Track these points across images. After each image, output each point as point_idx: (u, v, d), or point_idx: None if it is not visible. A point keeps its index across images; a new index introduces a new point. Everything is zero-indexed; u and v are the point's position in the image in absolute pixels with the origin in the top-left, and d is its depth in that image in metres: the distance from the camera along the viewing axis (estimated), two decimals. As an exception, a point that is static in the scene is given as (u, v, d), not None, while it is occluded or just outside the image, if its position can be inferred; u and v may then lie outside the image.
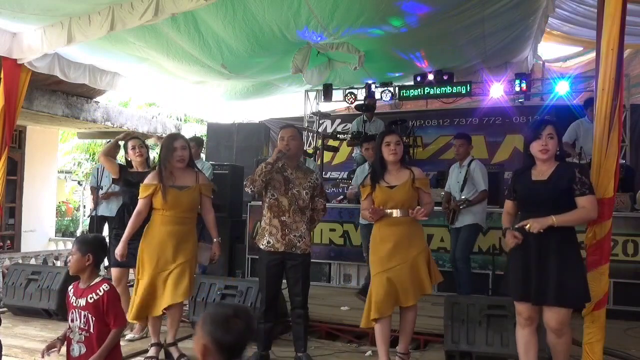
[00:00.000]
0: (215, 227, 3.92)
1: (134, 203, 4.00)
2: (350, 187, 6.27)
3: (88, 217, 9.53)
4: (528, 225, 2.83)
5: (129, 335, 4.27)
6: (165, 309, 3.70)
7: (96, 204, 6.20)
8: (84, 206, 19.24)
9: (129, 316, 3.66)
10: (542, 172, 2.99)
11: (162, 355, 3.86)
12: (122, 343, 4.11)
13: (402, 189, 3.50)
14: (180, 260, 3.71)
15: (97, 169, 6.97)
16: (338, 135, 8.11)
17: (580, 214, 2.87)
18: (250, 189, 3.63)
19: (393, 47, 6.62)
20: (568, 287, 2.82)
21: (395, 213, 3.52)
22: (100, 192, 6.12)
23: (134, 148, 4.48)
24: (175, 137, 3.95)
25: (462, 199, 5.06)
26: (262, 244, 3.71)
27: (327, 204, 4.00)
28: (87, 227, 8.06)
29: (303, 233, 3.69)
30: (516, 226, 2.98)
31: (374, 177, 3.62)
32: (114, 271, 4.39)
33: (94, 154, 16.71)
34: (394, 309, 3.53)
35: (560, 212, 2.84)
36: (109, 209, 5.90)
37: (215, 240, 3.91)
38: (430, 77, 7.90)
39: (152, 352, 3.81)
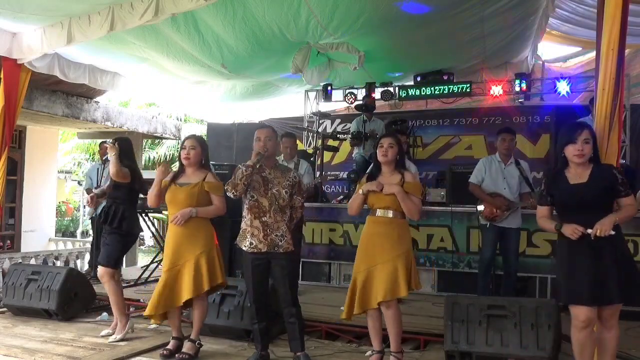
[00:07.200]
0: (206, 212, 3.91)
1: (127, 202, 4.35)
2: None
3: (89, 218, 9.52)
4: (597, 231, 2.78)
5: (112, 337, 4.27)
6: (187, 303, 3.83)
7: (96, 204, 6.16)
8: (84, 206, 19.21)
9: (146, 311, 3.82)
10: (579, 174, 2.98)
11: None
12: (116, 343, 4.16)
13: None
14: (187, 256, 3.79)
15: (97, 169, 6.95)
16: (338, 135, 8.10)
17: (630, 211, 2.92)
18: (233, 193, 3.64)
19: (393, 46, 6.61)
20: (630, 283, 2.88)
21: (383, 213, 3.62)
22: None
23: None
24: (188, 137, 4.13)
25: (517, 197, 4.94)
26: (245, 246, 3.71)
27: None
28: (89, 228, 8.03)
29: (284, 232, 3.71)
30: (586, 232, 2.86)
31: (369, 177, 3.77)
32: (102, 269, 4.32)
33: (94, 154, 16.72)
34: (370, 306, 3.57)
35: (601, 213, 2.86)
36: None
37: (191, 208, 3.84)
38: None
39: (170, 345, 3.92)
